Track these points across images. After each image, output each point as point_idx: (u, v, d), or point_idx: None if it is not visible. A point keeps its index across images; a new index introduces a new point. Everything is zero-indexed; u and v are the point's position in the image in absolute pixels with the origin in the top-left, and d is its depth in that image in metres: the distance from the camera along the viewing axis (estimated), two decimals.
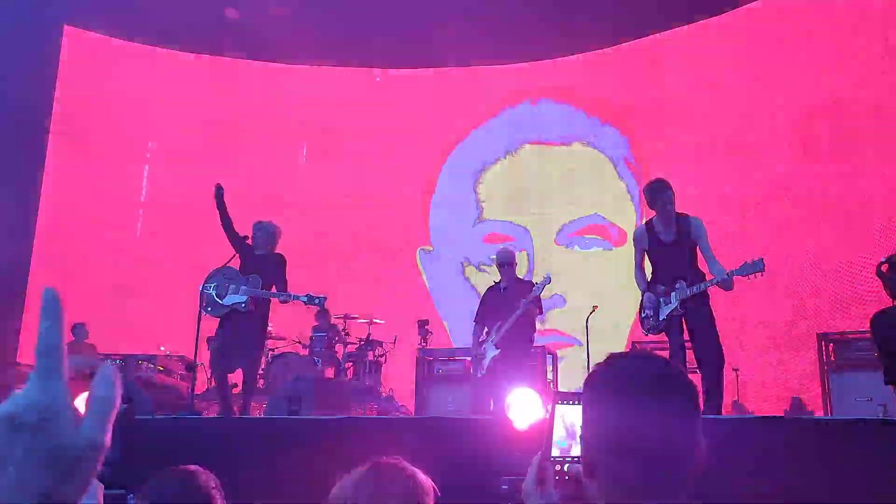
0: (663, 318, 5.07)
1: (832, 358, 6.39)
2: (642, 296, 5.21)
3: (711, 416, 4.42)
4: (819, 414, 6.83)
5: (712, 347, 4.88)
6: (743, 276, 4.87)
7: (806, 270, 9.66)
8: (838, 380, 6.18)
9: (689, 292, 4.99)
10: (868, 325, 4.50)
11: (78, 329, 9.09)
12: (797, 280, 9.70)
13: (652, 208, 5.18)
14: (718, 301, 10.04)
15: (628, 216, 11.51)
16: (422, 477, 1.35)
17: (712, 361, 4.78)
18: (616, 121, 11.96)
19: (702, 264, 5.18)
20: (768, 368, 9.60)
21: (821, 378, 6.44)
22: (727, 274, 4.85)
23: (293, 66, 12.78)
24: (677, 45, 11.50)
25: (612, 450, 1.01)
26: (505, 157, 12.49)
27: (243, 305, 5.96)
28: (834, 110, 9.74)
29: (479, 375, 6.30)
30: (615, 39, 11.83)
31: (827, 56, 9.92)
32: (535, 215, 12.05)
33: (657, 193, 5.05)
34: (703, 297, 5.03)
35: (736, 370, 8.51)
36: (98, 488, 1.75)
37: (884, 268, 3.50)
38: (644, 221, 5.40)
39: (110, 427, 0.55)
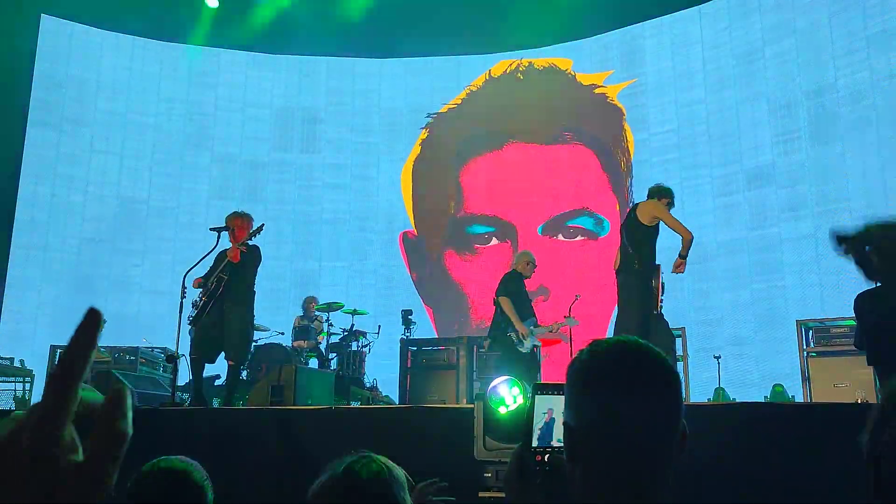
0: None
1: (811, 344, 6.47)
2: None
3: (694, 403, 4.48)
4: (799, 400, 6.91)
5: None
6: None
7: (787, 257, 9.75)
8: (817, 365, 6.25)
9: None
10: (849, 311, 4.55)
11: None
12: (778, 266, 9.79)
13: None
14: (699, 291, 10.11)
15: (611, 206, 11.55)
16: (396, 470, 1.34)
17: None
18: (600, 110, 11.98)
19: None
20: (749, 355, 9.69)
21: (801, 364, 6.51)
22: None
23: (273, 54, 12.70)
24: (658, 34, 11.53)
25: (597, 436, 1.01)
26: (489, 147, 12.46)
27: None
28: (814, 98, 9.81)
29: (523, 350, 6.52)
30: (597, 29, 11.84)
31: (808, 44, 9.98)
32: (519, 206, 12.06)
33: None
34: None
35: (717, 357, 8.59)
36: None
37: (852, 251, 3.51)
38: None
39: None
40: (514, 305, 6.53)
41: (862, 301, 3.60)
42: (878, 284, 3.57)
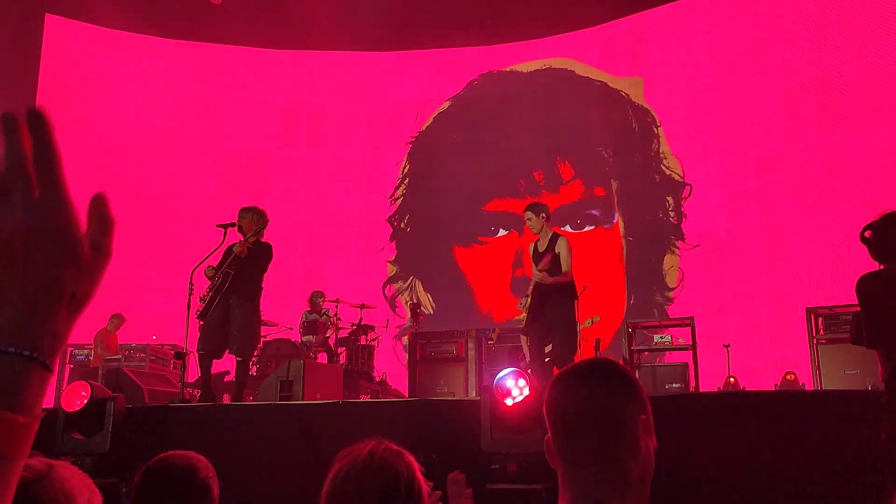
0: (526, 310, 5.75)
1: (821, 331, 6.43)
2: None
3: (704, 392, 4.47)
4: (809, 387, 6.88)
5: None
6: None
7: (795, 244, 9.71)
8: (827, 353, 6.22)
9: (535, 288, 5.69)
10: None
11: (115, 319, 9.20)
12: (786, 254, 9.74)
13: (537, 227, 5.87)
14: (705, 280, 10.05)
15: (618, 195, 11.52)
16: (412, 458, 1.36)
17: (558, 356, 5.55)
18: (604, 99, 11.92)
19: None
20: (759, 343, 9.66)
21: (810, 351, 6.48)
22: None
23: (275, 50, 12.69)
24: (663, 23, 11.46)
25: (550, 425, 1.17)
26: (492, 139, 12.43)
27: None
28: (820, 83, 9.74)
29: None
30: (602, 18, 11.78)
31: (813, 30, 9.91)
32: (527, 196, 12.02)
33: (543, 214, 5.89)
34: (563, 296, 5.62)
35: (727, 346, 8.54)
36: None
37: (867, 234, 3.48)
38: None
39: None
40: None
41: (864, 281, 3.54)
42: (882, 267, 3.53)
